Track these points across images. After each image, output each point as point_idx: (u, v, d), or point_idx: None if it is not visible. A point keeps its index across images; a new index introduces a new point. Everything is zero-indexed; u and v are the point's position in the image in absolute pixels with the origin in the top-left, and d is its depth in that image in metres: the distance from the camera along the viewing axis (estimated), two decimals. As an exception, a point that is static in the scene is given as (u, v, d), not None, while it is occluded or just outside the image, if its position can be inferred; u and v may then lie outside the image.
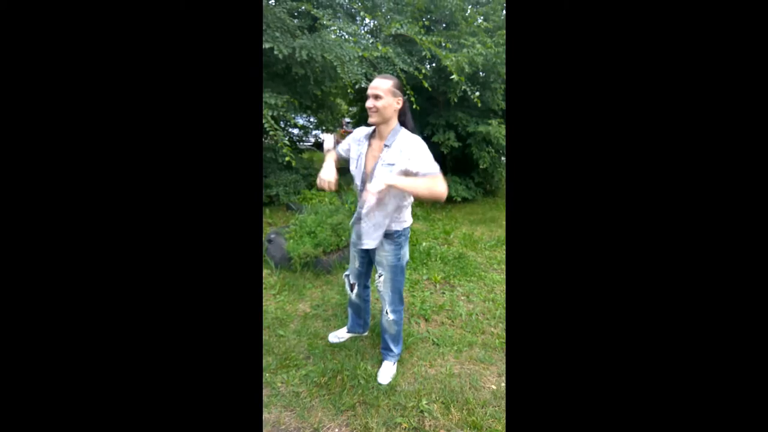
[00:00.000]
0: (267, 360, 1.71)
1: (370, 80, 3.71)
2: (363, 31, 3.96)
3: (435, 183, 1.25)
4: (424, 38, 3.52)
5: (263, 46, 2.93)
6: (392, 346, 1.70)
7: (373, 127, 1.42)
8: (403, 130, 1.35)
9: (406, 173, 1.29)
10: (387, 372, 1.67)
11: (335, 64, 3.22)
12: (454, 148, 4.71)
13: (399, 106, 1.34)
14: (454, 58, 3.58)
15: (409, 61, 3.84)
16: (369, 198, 1.31)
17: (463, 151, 4.88)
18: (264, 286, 2.40)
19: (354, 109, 6.51)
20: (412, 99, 3.77)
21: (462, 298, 2.40)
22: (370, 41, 3.87)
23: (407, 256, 1.55)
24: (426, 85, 3.70)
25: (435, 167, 1.28)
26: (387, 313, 1.62)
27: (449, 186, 4.81)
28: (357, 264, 1.69)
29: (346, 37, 3.75)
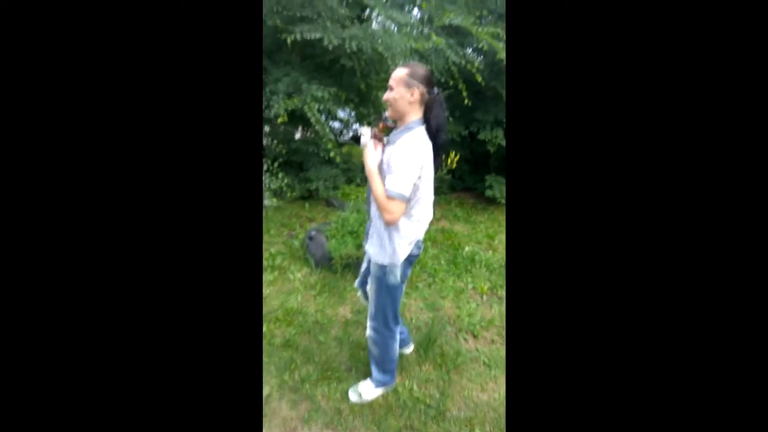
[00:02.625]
0: (308, 369, 1.63)
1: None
2: (413, 21, 3.78)
3: (386, 206, 1.10)
4: (480, 29, 3.29)
5: (314, 36, 2.83)
6: (373, 368, 1.47)
7: None
8: (416, 130, 1.14)
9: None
10: (360, 390, 1.48)
11: (386, 55, 3.07)
12: (501, 147, 4.45)
13: (414, 98, 1.13)
14: (510, 51, 3.32)
15: (461, 53, 3.62)
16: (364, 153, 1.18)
17: (511, 151, 4.60)
18: (304, 285, 2.33)
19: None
20: (464, 93, 3.56)
21: (512, 313, 2.21)
22: (421, 31, 3.68)
23: (399, 277, 1.26)
24: (479, 78, 3.47)
25: (396, 189, 1.09)
26: (367, 327, 1.40)
27: (493, 187, 4.58)
28: (364, 265, 1.50)
29: (394, 28, 3.60)
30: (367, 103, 4.56)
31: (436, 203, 3.96)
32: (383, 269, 1.25)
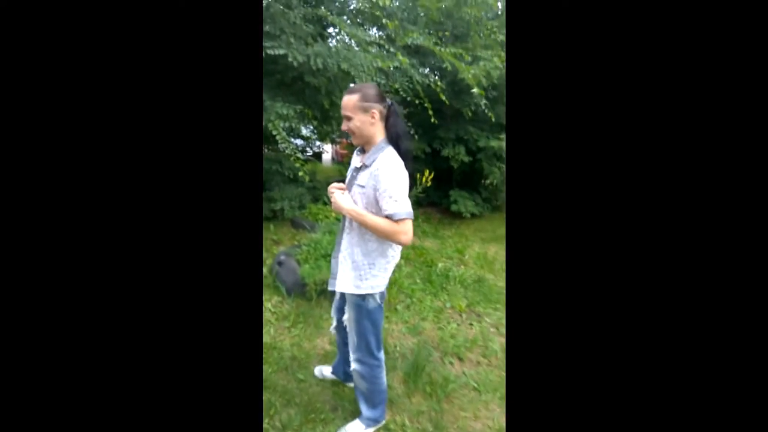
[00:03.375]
0: (289, 413, 1.48)
1: (386, 92, 3.55)
2: (376, 39, 3.80)
3: (398, 229, 1.08)
4: (443, 50, 3.37)
5: (277, 53, 2.73)
6: (362, 406, 1.39)
7: None
8: (387, 150, 1.14)
9: (374, 202, 1.13)
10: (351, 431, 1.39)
11: (352, 74, 3.04)
12: (464, 163, 4.57)
13: (375, 119, 1.13)
14: (472, 71, 3.44)
15: (424, 73, 3.69)
16: (333, 201, 1.17)
17: (471, 166, 4.74)
18: (276, 316, 2.17)
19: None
20: (430, 112, 3.61)
21: (492, 330, 2.21)
22: (385, 51, 3.71)
23: (378, 300, 1.24)
24: (444, 98, 3.54)
25: (402, 209, 1.08)
26: (351, 361, 1.34)
27: (458, 201, 4.67)
28: (338, 294, 1.41)
29: (355, 46, 3.60)
30: (330, 120, 4.50)
31: None
32: (362, 296, 1.21)
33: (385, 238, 1.12)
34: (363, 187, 1.13)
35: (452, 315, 2.35)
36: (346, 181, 1.25)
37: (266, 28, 2.92)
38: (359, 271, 1.19)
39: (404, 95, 3.69)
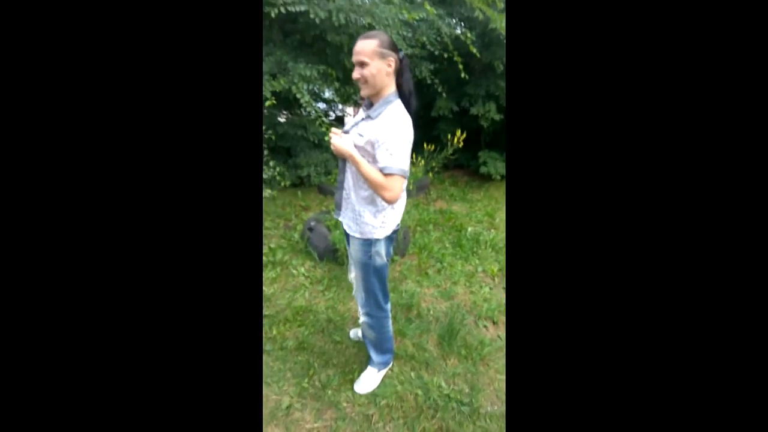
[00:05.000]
0: (327, 373, 1.54)
1: (412, 46, 3.34)
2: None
3: (385, 184, 1.05)
4: (474, -4, 3.09)
5: (298, 9, 2.59)
6: (372, 353, 1.47)
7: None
8: (396, 102, 1.09)
9: (371, 155, 1.08)
10: (365, 380, 1.47)
11: (376, 28, 2.86)
12: (494, 122, 4.33)
13: (391, 69, 1.07)
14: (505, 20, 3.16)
15: (452, 23, 3.42)
16: (332, 144, 1.12)
17: (502, 125, 4.49)
18: (310, 280, 2.21)
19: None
20: (460, 66, 3.38)
21: (526, 294, 2.17)
22: (409, 2, 3.45)
23: (384, 257, 1.24)
24: (474, 50, 3.30)
25: (397, 165, 1.04)
26: (360, 315, 1.41)
27: (488, 163, 4.49)
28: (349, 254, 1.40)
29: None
30: (352, 79, 4.33)
31: (429, 184, 3.81)
32: (367, 252, 1.22)
33: (373, 190, 1.08)
34: (362, 136, 1.09)
35: (484, 279, 2.32)
36: (346, 127, 1.20)
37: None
38: (354, 215, 1.20)
39: (431, 49, 3.46)
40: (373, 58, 1.04)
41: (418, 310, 1.93)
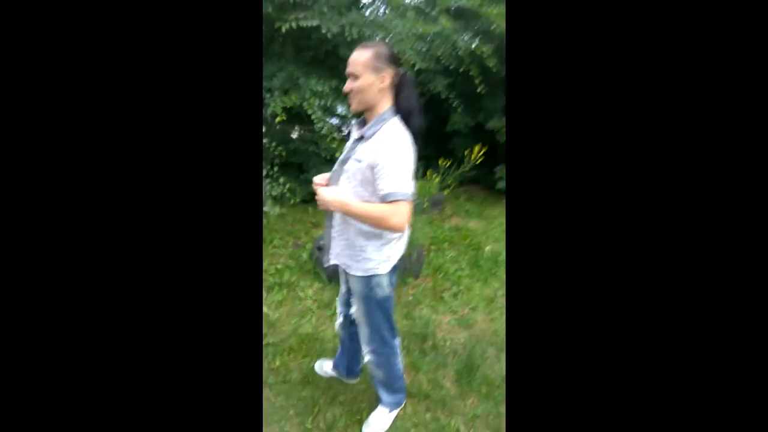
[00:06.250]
0: (333, 412, 1.39)
1: (427, 61, 3.27)
2: (414, 3, 3.50)
3: (389, 213, 0.94)
4: (491, 9, 3.01)
5: (310, 24, 2.55)
6: (381, 393, 1.33)
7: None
8: (392, 121, 0.99)
9: (372, 179, 0.99)
10: (375, 422, 1.32)
11: (390, 43, 2.80)
12: (512, 136, 4.20)
13: (384, 84, 0.98)
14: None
15: (468, 38, 3.35)
16: (318, 198, 1.04)
17: (520, 139, 4.35)
18: (318, 304, 2.09)
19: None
20: (476, 81, 3.29)
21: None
22: (424, 15, 3.40)
23: (386, 288, 1.13)
24: (491, 64, 3.20)
25: (401, 190, 0.94)
26: (364, 353, 1.27)
27: (505, 178, 4.35)
28: (343, 287, 1.31)
29: (391, 13, 3.33)
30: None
31: (443, 200, 3.67)
32: (368, 284, 1.11)
33: (376, 226, 0.99)
34: (360, 161, 1.00)
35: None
36: (342, 156, 1.10)
37: (297, -3, 2.74)
38: (352, 251, 1.09)
39: (446, 63, 3.38)
40: (365, 72, 0.96)
41: (434, 340, 1.78)
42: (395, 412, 1.36)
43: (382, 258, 1.08)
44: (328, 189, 1.04)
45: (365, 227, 1.05)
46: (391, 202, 0.95)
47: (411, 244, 2.37)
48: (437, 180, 3.71)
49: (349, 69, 0.98)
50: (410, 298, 2.14)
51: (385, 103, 1.01)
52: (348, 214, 1.00)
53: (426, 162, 4.23)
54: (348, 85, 0.99)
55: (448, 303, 2.11)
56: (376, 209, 0.96)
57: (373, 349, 1.23)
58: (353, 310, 1.22)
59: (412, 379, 1.55)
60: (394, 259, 1.12)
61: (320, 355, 1.68)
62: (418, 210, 3.36)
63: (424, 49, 3.15)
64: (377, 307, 1.15)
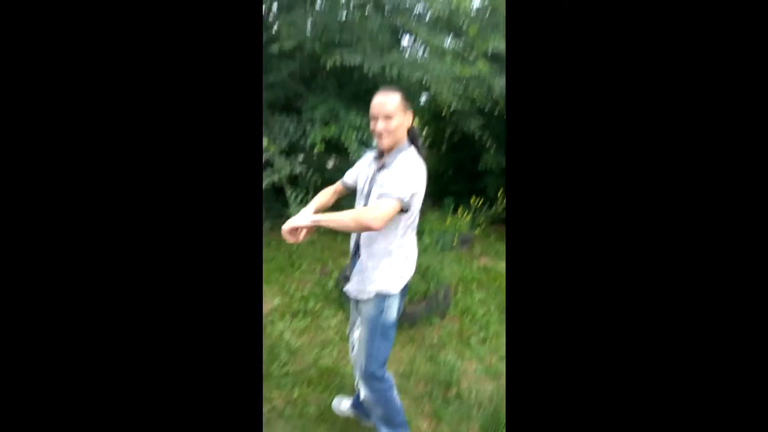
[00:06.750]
0: (350, 456, 1.32)
1: (462, 101, 3.34)
2: (453, 47, 3.62)
3: (366, 210, 0.99)
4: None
5: (353, 63, 2.69)
6: (384, 430, 1.27)
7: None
8: (411, 149, 1.11)
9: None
10: None
11: (427, 83, 2.89)
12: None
13: (409, 122, 1.10)
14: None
15: (502, 84, 3.40)
16: (285, 236, 1.05)
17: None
18: (341, 335, 2.05)
19: (427, 130, 6.18)
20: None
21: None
22: (462, 58, 3.51)
23: (395, 314, 1.16)
24: (527, 107, 3.22)
25: (395, 193, 0.98)
26: (357, 383, 1.26)
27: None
28: (353, 315, 1.31)
29: (429, 56, 3.45)
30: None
31: (473, 238, 3.59)
32: (379, 306, 1.12)
33: (355, 228, 1.00)
34: (381, 187, 1.06)
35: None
36: (364, 185, 1.16)
37: (344, 36, 2.91)
38: (363, 274, 1.13)
39: (480, 105, 3.43)
40: (398, 113, 1.06)
41: (458, 389, 1.68)
42: None
43: (394, 277, 1.12)
44: (291, 219, 1.06)
45: (377, 246, 1.10)
46: (378, 198, 1.00)
47: (438, 281, 2.32)
48: (468, 218, 3.67)
49: (382, 110, 1.05)
50: (435, 340, 2.07)
51: (405, 138, 1.12)
52: (324, 224, 1.01)
53: (457, 199, 4.23)
54: (382, 126, 1.05)
55: (475, 349, 2.02)
56: (350, 212, 0.98)
57: (368, 381, 1.21)
58: (356, 335, 1.23)
59: (434, 429, 1.46)
60: (407, 278, 1.15)
61: (339, 391, 1.63)
62: (447, 246, 3.31)
63: (460, 91, 3.22)
64: (382, 334, 1.15)
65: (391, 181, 1.02)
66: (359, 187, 1.19)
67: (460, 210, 3.90)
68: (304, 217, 1.05)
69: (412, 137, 1.14)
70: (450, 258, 2.97)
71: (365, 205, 1.12)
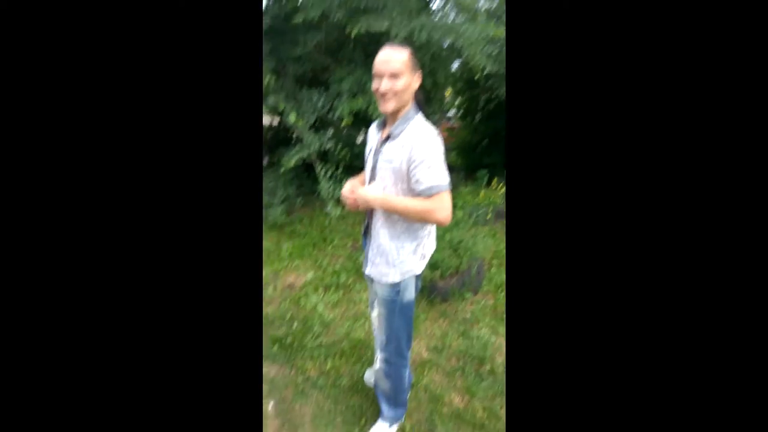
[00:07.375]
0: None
1: (497, 64, 3.11)
2: (485, 6, 3.37)
3: (433, 207, 0.93)
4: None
5: (380, 30, 2.56)
6: (383, 405, 1.30)
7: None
8: (418, 117, 1.00)
9: (405, 177, 0.97)
10: None
11: (458, 46, 2.71)
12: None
13: (417, 84, 0.99)
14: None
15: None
16: (358, 200, 1.02)
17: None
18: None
19: (460, 99, 5.91)
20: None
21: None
22: (495, 18, 3.26)
23: (413, 292, 1.13)
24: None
25: (441, 181, 0.94)
26: (376, 360, 1.25)
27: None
28: (372, 294, 1.25)
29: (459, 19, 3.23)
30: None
31: (500, 229, 3.42)
32: (395, 288, 1.09)
33: (421, 220, 0.99)
34: (391, 161, 0.99)
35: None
36: (368, 156, 1.10)
37: (369, 3, 2.77)
38: (386, 257, 1.07)
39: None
40: (406, 71, 0.95)
41: (492, 365, 1.65)
42: (395, 427, 1.32)
43: (417, 257, 1.08)
44: (368, 187, 1.03)
45: (399, 228, 1.04)
46: (431, 195, 0.94)
47: (471, 256, 2.25)
48: (503, 190, 3.52)
49: (387, 68, 0.93)
50: (468, 315, 2.03)
51: (411, 103, 1.01)
52: (391, 210, 0.99)
53: (491, 170, 4.05)
54: (387, 86, 0.94)
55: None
56: (420, 203, 0.95)
57: (386, 358, 1.20)
58: (374, 314, 1.22)
59: (466, 405, 1.44)
60: (428, 256, 1.13)
61: (371, 364, 1.64)
62: (481, 220, 3.20)
63: (494, 53, 3.00)
64: (400, 313, 1.13)
65: (424, 172, 0.93)
66: (366, 159, 1.12)
67: (494, 182, 3.74)
68: (376, 192, 1.00)
69: (419, 102, 1.03)
70: (484, 232, 2.87)
71: (372, 178, 1.06)
